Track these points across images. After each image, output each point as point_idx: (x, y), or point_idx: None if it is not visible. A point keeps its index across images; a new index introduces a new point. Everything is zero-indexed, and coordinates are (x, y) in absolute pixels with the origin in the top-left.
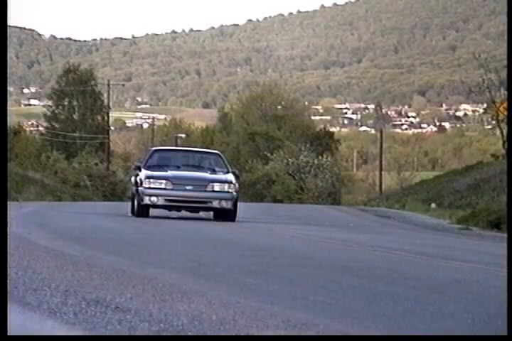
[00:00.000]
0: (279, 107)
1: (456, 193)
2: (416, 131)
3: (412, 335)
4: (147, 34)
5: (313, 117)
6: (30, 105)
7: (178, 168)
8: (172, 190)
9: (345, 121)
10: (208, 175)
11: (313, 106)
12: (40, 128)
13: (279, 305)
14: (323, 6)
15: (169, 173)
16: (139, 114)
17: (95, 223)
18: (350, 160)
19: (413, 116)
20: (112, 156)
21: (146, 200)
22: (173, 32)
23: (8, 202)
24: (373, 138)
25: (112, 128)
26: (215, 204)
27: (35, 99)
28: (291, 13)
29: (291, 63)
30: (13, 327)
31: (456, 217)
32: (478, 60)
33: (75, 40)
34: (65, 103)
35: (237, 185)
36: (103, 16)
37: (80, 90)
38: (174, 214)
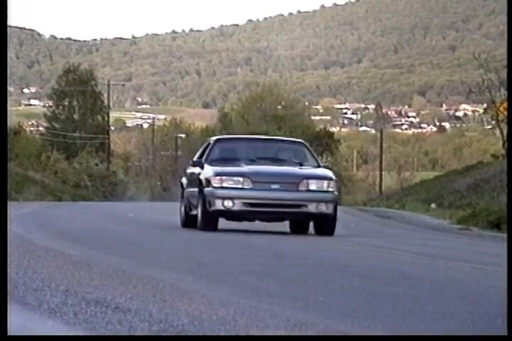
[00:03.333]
0: (279, 107)
1: (456, 193)
2: (416, 131)
3: (412, 335)
4: (147, 34)
5: (313, 117)
6: (30, 105)
7: (252, 161)
8: (252, 189)
9: (345, 121)
10: (298, 169)
11: (313, 106)
12: (41, 129)
13: (279, 305)
14: (323, 6)
15: (246, 168)
16: (139, 114)
17: (95, 223)
18: (350, 160)
19: (413, 116)
20: (112, 156)
21: (218, 205)
22: (173, 32)
23: (9, 202)
24: (373, 138)
25: (112, 128)
26: (312, 208)
27: (35, 99)
28: (291, 13)
29: (291, 63)
30: (13, 327)
31: (456, 217)
32: (478, 60)
33: (75, 40)
34: (65, 103)
35: (337, 183)
36: (103, 16)
37: (80, 90)
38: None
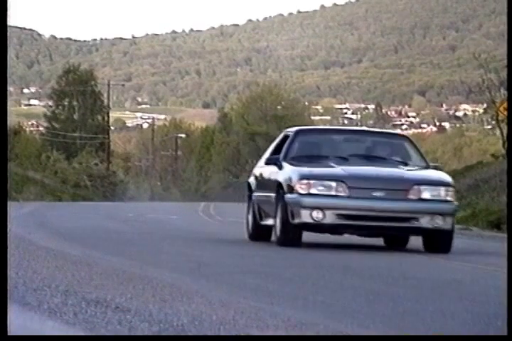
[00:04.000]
0: (279, 107)
1: (456, 193)
2: (416, 131)
3: (412, 335)
4: (147, 34)
5: (313, 117)
6: (30, 105)
7: (344, 160)
8: (348, 198)
9: (346, 121)
10: (406, 172)
11: (313, 106)
12: (41, 129)
13: (279, 305)
14: (323, 6)
15: (339, 170)
16: (139, 114)
17: (95, 223)
18: None
19: (413, 116)
20: (112, 156)
21: (304, 217)
22: (173, 32)
23: (9, 202)
24: None
25: (112, 128)
26: (424, 222)
27: (35, 99)
28: (291, 13)
29: (291, 63)
30: (13, 327)
31: (456, 217)
32: (478, 60)
33: (75, 40)
34: (65, 103)
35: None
36: (103, 16)
37: (80, 90)
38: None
